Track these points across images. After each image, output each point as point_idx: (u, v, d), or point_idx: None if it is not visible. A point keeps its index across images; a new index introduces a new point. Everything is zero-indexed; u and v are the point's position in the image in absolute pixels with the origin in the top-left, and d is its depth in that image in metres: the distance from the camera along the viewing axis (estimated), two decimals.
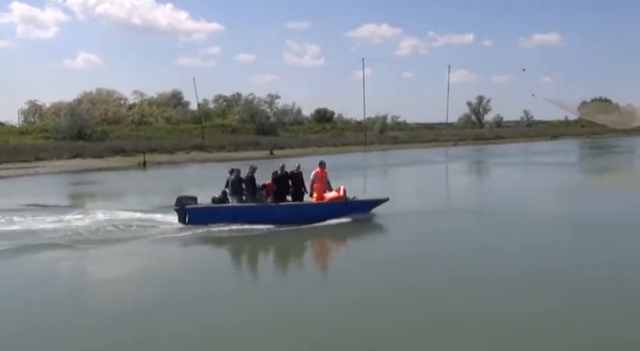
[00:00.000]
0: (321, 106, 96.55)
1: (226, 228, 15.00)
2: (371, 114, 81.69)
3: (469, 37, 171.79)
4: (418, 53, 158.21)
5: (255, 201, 15.97)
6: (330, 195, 16.34)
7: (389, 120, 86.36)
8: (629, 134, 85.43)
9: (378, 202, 16.69)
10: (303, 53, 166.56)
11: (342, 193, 16.30)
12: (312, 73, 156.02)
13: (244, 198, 16.03)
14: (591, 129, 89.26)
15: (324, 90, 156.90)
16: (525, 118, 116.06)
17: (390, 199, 16.79)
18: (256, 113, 69.80)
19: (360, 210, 16.22)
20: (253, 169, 16.14)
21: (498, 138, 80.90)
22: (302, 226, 15.16)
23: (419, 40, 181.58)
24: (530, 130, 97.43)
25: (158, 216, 16.45)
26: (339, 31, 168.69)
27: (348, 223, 15.60)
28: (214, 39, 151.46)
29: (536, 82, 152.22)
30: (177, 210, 15.85)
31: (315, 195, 16.39)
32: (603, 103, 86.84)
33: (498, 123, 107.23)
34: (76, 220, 16.17)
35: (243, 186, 16.05)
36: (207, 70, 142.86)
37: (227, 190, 16.21)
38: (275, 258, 13.42)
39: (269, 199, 16.07)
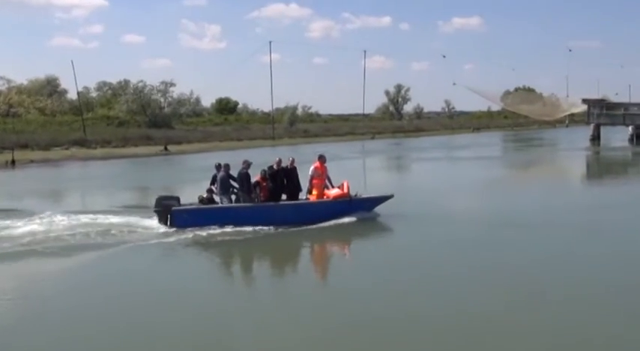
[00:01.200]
0: (223, 95, 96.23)
1: (218, 231, 14.93)
2: (280, 104, 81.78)
3: (386, 20, 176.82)
4: (331, 36, 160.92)
5: (250, 200, 15.84)
6: (333, 192, 16.42)
7: (299, 111, 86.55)
8: (552, 126, 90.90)
9: (382, 199, 16.87)
10: (201, 35, 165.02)
11: (346, 189, 16.40)
12: (213, 58, 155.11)
13: (234, 197, 16.04)
14: (515, 120, 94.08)
15: (227, 77, 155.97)
16: (447, 109, 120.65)
17: (394, 195, 17.02)
18: (147, 103, 67.96)
19: (364, 208, 16.45)
20: (248, 164, 15.99)
21: (419, 130, 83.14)
22: (304, 228, 15.27)
23: (332, 21, 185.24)
24: (452, 121, 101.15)
25: (135, 219, 16.21)
26: (243, 11, 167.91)
27: (353, 224, 15.79)
28: (97, 16, 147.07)
29: (457, 69, 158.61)
30: (157, 212, 15.74)
31: (315, 192, 16.37)
32: (527, 92, 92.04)
33: (418, 114, 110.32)
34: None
35: (233, 183, 16.03)
36: (89, 52, 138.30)
37: (213, 188, 16.20)
38: (276, 266, 13.24)
39: (261, 198, 15.98)
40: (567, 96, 77.22)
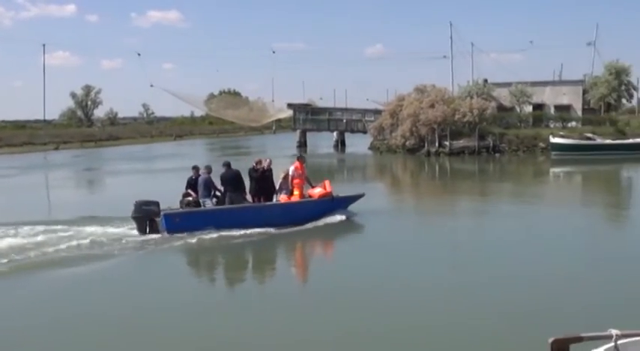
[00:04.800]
0: None
1: (213, 235, 16.24)
2: None
3: (70, 9, 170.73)
4: (1, 26, 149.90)
5: (242, 201, 17.49)
6: (316, 191, 18.76)
7: None
8: (260, 132, 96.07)
9: (357, 198, 19.58)
10: None
11: (328, 188, 18.76)
12: None
13: (215, 200, 17.47)
14: (220, 127, 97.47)
15: None
16: (145, 114, 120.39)
17: (365, 194, 20.08)
18: None
19: (343, 206, 18.99)
20: (228, 164, 17.82)
21: (113, 139, 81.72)
22: (298, 229, 17.25)
23: (1, 7, 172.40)
24: (152, 128, 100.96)
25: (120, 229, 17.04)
26: None
27: (345, 223, 18.24)
28: None
29: (155, 69, 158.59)
30: (136, 218, 16.71)
31: (296, 192, 18.43)
32: (232, 96, 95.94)
33: (112, 120, 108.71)
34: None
35: (216, 185, 17.60)
36: None
37: (191, 192, 17.61)
38: (288, 272, 14.41)
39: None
40: (273, 100, 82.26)
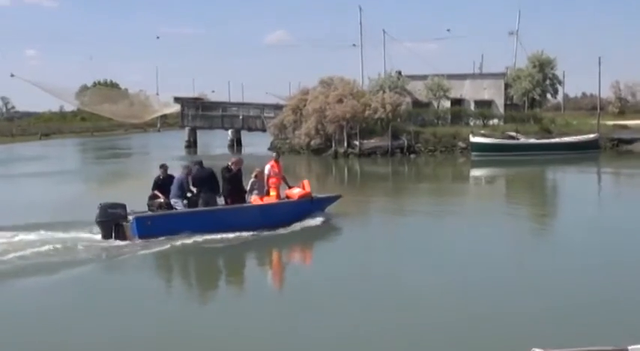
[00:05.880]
0: None
1: (190, 240, 16.37)
2: None
3: None
4: None
5: (217, 203, 17.88)
6: (296, 192, 19.29)
7: None
8: (143, 130, 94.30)
9: (335, 199, 20.61)
10: None
11: (307, 188, 19.31)
12: None
13: (186, 202, 17.57)
14: (95, 124, 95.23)
15: None
16: (4, 109, 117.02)
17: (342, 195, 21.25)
18: None
19: (321, 208, 19.67)
20: (200, 162, 18.34)
21: None
22: (277, 231, 17.76)
23: None
24: (12, 125, 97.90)
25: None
26: None
27: (327, 225, 18.98)
28: None
29: (17, 56, 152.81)
30: (101, 222, 16.68)
31: (272, 193, 18.93)
32: (109, 89, 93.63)
33: None
34: None
35: (190, 187, 17.72)
36: None
37: (158, 193, 17.78)
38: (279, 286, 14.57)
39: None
40: (157, 93, 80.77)
